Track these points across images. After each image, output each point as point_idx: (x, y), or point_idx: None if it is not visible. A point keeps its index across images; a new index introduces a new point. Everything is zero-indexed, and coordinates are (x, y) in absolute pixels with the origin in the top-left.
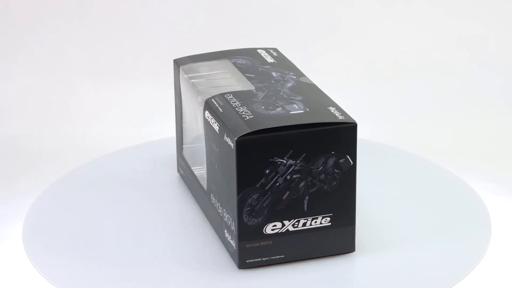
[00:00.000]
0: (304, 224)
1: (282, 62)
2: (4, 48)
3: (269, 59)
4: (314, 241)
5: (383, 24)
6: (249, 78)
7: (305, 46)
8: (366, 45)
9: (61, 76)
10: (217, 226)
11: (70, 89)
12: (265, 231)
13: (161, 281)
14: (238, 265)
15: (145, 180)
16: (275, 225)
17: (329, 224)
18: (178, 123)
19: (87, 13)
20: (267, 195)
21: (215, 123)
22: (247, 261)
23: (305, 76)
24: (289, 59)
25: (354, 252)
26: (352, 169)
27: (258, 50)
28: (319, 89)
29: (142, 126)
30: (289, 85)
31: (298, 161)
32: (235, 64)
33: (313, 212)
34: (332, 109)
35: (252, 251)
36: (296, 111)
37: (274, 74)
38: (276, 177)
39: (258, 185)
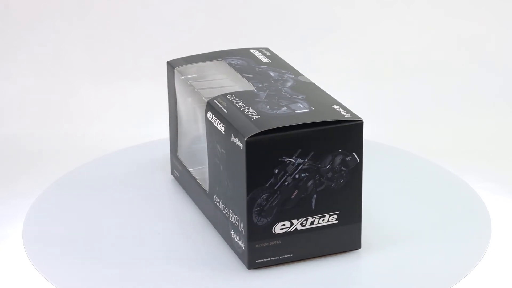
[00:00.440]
0: (312, 223)
1: (277, 62)
2: (4, 48)
3: (264, 59)
4: (322, 239)
5: (383, 24)
6: (247, 79)
7: (305, 46)
8: (366, 45)
9: (61, 76)
10: (221, 227)
11: (70, 89)
12: (274, 231)
13: (166, 283)
14: (247, 266)
15: (145, 180)
16: (283, 225)
17: (336, 222)
18: (172, 125)
19: (87, 13)
20: (276, 195)
21: (220, 124)
22: (256, 261)
23: (303, 75)
24: (289, 59)
25: (360, 249)
26: (359, 167)
27: (251, 50)
28: (319, 88)
29: (142, 126)
30: (289, 84)
31: (306, 160)
32: (230, 64)
33: (320, 210)
34: (336, 107)
35: (261, 251)
36: (302, 110)
37: (272, 73)
38: (285, 176)
39: (267, 185)
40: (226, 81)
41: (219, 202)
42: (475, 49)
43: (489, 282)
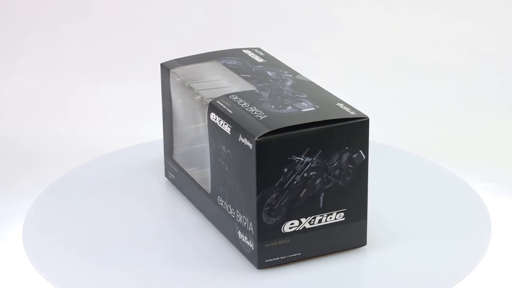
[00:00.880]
0: (320, 221)
1: (272, 62)
2: (4, 48)
3: (258, 59)
4: (329, 237)
5: (383, 24)
6: (246, 79)
7: (305, 46)
8: (366, 45)
9: (61, 76)
10: (226, 228)
11: (70, 89)
12: (283, 230)
13: (175, 284)
14: (257, 266)
15: (145, 180)
16: (292, 223)
17: (343, 219)
18: (167, 127)
19: (87, 13)
20: (285, 194)
21: (226, 124)
22: (266, 261)
23: (300, 74)
24: (289, 59)
25: (366, 246)
26: (365, 164)
27: (244, 50)
28: (319, 86)
29: (142, 126)
30: (288, 83)
31: (314, 158)
32: (226, 65)
33: (328, 208)
34: (340, 105)
35: (270, 250)
36: (307, 109)
37: (270, 73)
38: (294, 175)
39: (277, 184)
40: (224, 82)
41: (223, 203)
42: (475, 49)
43: (489, 282)
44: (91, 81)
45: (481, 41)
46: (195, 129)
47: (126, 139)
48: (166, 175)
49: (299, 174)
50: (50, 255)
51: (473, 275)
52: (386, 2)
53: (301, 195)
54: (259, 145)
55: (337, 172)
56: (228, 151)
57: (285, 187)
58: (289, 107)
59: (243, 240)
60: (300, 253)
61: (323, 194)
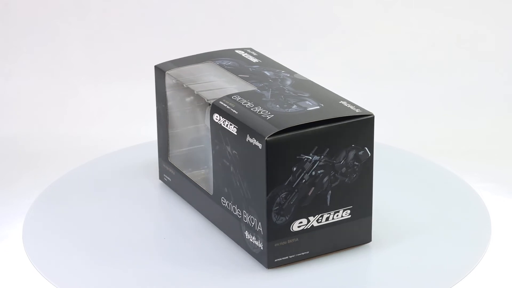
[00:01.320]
0: (327, 219)
1: (266, 61)
2: (4, 48)
3: (253, 59)
4: (335, 234)
5: (383, 24)
6: (245, 79)
7: (305, 46)
8: (366, 45)
9: (61, 76)
10: (231, 228)
11: (70, 89)
12: (292, 229)
13: (184, 285)
14: (266, 265)
15: (145, 180)
16: (301, 222)
17: (349, 216)
18: (162, 129)
19: (87, 13)
20: (294, 193)
21: (231, 125)
22: (275, 260)
23: (297, 73)
24: (289, 59)
25: (368, 244)
26: (370, 161)
27: (236, 51)
28: (318, 85)
29: (142, 126)
30: (288, 82)
31: (322, 157)
32: (221, 65)
33: (335, 206)
34: (344, 103)
35: (280, 250)
36: (312, 108)
37: (267, 73)
38: (303, 174)
39: (286, 183)
40: (223, 83)
41: (228, 204)
42: (475, 49)
43: (489, 282)
44: (91, 81)
45: (481, 41)
46: (195, 130)
47: (126, 139)
48: (161, 177)
49: (307, 172)
50: (50, 255)
51: (473, 275)
52: (386, 2)
53: (309, 194)
54: (269, 145)
55: (343, 169)
56: (234, 151)
57: (294, 186)
58: (294, 106)
59: (251, 240)
60: (308, 252)
61: (330, 192)
